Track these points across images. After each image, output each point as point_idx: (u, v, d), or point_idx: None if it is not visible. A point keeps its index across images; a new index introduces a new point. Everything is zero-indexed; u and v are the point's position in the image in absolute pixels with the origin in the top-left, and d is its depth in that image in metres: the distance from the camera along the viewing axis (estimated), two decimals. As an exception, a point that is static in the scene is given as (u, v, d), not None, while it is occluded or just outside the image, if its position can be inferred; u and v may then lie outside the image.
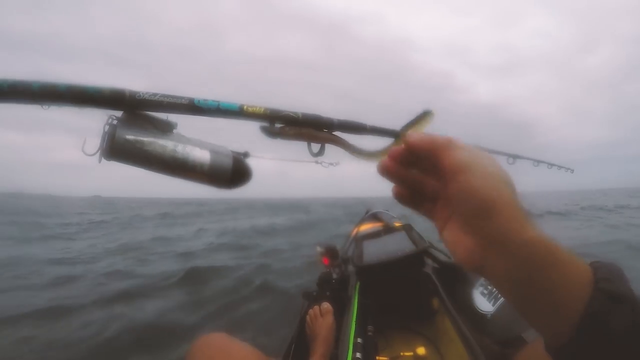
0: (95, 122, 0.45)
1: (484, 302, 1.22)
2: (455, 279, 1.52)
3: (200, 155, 0.49)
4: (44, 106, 0.42)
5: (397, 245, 1.65)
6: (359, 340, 1.23)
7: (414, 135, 0.38)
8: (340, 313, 1.51)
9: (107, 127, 0.45)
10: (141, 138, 0.45)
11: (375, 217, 2.71)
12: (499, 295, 1.15)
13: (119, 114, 0.46)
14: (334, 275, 1.90)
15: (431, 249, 1.67)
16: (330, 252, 2.01)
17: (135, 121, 0.46)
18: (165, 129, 0.49)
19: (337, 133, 0.58)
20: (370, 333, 1.33)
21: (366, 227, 2.32)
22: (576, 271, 0.32)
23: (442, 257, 1.69)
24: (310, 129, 0.54)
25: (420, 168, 0.40)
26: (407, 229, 1.88)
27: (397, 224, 2.23)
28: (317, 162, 0.62)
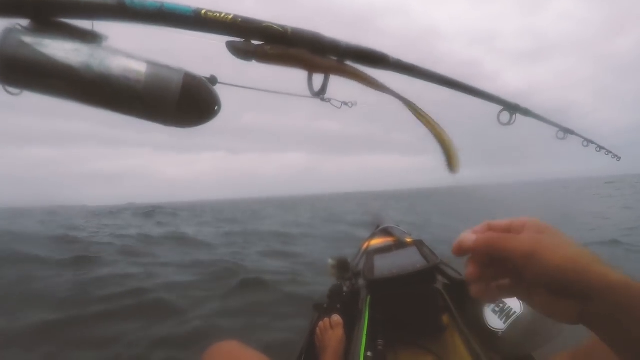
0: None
1: (495, 319, 1.21)
2: (466, 296, 1.52)
3: (132, 66, 0.34)
4: None
5: (408, 260, 1.65)
6: (369, 353, 1.23)
7: (468, 239, 0.40)
8: (350, 326, 1.51)
9: (6, 34, 0.32)
10: (46, 40, 0.32)
11: (386, 231, 2.71)
12: (511, 313, 1.15)
13: (24, 23, 0.33)
14: (345, 288, 1.91)
15: (442, 265, 1.67)
16: (342, 265, 2.02)
17: (48, 33, 0.33)
18: (90, 41, 0.34)
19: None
20: (380, 347, 1.33)
21: (377, 242, 2.33)
22: None
23: (453, 274, 1.69)
24: (304, 52, 0.38)
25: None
26: (418, 244, 1.89)
27: (408, 239, 2.24)
28: (322, 100, 0.49)
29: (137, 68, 0.34)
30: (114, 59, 0.33)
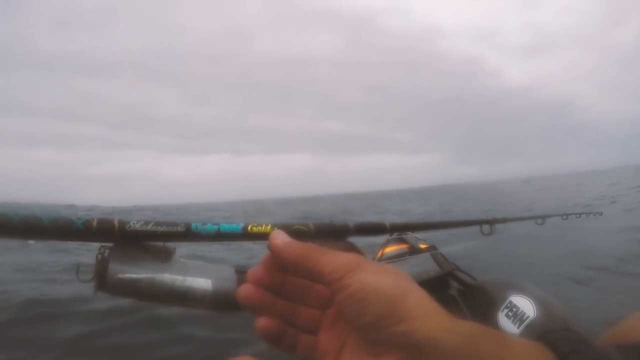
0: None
1: (508, 324, 1.20)
2: (480, 302, 1.50)
3: (201, 284, 0.42)
4: (28, 241, 0.38)
5: (422, 267, 1.65)
6: None
7: (279, 239, 0.32)
8: None
9: (99, 257, 0.40)
10: (135, 276, 0.40)
11: (400, 239, 2.71)
12: (524, 317, 1.15)
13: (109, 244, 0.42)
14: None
15: (456, 271, 1.67)
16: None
17: (129, 251, 0.41)
18: (163, 256, 0.42)
19: (356, 238, 0.54)
20: None
21: (391, 249, 2.32)
22: (533, 354, 0.27)
23: (467, 279, 1.68)
24: (325, 241, 0.47)
25: (288, 287, 0.33)
26: (432, 250, 1.88)
27: (422, 246, 2.23)
28: None
29: (207, 284, 0.42)
30: (190, 280, 0.42)
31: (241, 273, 0.46)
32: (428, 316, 0.26)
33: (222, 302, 0.43)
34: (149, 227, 0.41)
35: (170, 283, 0.41)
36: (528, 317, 1.13)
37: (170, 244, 0.44)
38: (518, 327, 1.16)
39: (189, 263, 0.44)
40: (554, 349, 0.27)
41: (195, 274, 0.43)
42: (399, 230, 0.58)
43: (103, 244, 0.41)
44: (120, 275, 0.40)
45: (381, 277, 0.28)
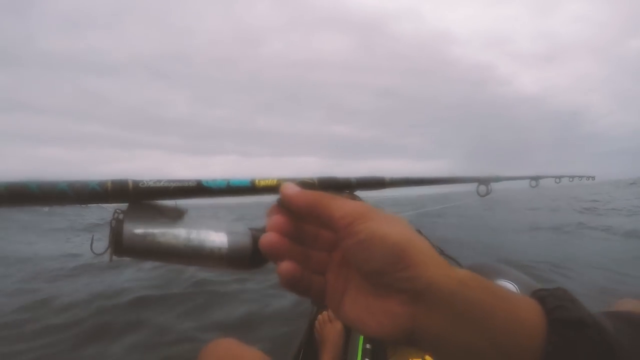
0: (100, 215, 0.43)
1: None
2: None
3: (216, 239, 0.43)
4: (44, 207, 0.40)
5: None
6: (368, 346, 1.23)
7: (291, 189, 0.33)
8: None
9: (113, 223, 0.41)
10: (151, 230, 0.41)
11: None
12: None
13: (124, 206, 0.42)
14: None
15: (442, 256, 1.67)
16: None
17: (142, 212, 0.42)
18: (175, 216, 0.43)
19: (358, 192, 0.59)
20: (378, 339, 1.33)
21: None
22: (523, 306, 0.28)
23: (453, 263, 1.69)
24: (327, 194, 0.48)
25: (305, 234, 0.35)
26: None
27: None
28: None
29: (222, 238, 0.43)
30: (205, 234, 0.43)
31: (255, 231, 0.47)
32: (430, 263, 0.29)
33: (238, 259, 0.44)
34: (162, 184, 0.43)
35: (185, 239, 0.42)
36: None
37: (182, 206, 0.45)
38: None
39: (202, 220, 0.44)
40: (542, 303, 0.28)
41: (210, 229, 0.44)
42: (397, 185, 0.60)
43: (117, 206, 0.42)
44: (136, 236, 0.40)
45: (388, 225, 0.30)
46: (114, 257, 0.42)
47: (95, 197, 0.40)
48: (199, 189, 0.45)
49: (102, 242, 0.44)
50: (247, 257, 0.44)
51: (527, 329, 0.27)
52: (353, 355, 1.20)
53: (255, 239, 0.45)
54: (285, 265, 0.32)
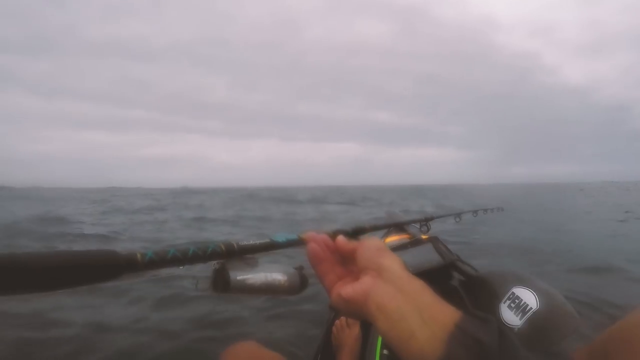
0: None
1: (511, 315, 1.20)
2: (481, 293, 1.50)
3: (279, 277, 0.62)
4: (180, 267, 0.51)
5: (423, 257, 1.65)
6: (385, 352, 1.24)
7: (341, 240, 0.58)
8: (367, 324, 1.52)
9: (215, 270, 0.57)
10: (245, 276, 0.58)
11: (402, 229, 2.70)
12: (527, 308, 1.15)
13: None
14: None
15: (458, 262, 1.66)
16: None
17: (231, 263, 0.59)
18: (253, 263, 0.61)
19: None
20: None
21: (392, 239, 2.32)
22: (439, 300, 0.44)
23: (469, 270, 1.68)
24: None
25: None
26: (434, 241, 1.87)
27: (424, 237, 2.22)
28: None
29: (282, 277, 0.62)
30: (272, 276, 0.61)
31: (297, 268, 0.65)
32: (393, 263, 0.49)
33: (292, 289, 0.63)
34: (250, 243, 0.61)
35: (263, 281, 0.60)
36: (531, 308, 1.13)
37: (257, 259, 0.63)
38: (520, 319, 1.16)
39: (268, 265, 0.63)
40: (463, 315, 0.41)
41: (274, 271, 0.62)
42: (376, 229, 0.90)
43: (216, 261, 0.58)
44: (236, 277, 0.57)
45: (378, 252, 0.52)
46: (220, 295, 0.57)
47: (213, 256, 0.56)
48: (271, 245, 0.64)
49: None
50: (298, 285, 0.64)
51: (445, 309, 0.42)
52: None
53: (299, 273, 0.65)
54: (313, 245, 0.57)
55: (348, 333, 1.52)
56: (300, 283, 0.64)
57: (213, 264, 0.58)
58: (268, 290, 0.61)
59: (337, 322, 1.59)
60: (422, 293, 0.44)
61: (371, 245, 0.53)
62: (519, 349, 0.38)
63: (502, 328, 0.39)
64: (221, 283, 0.57)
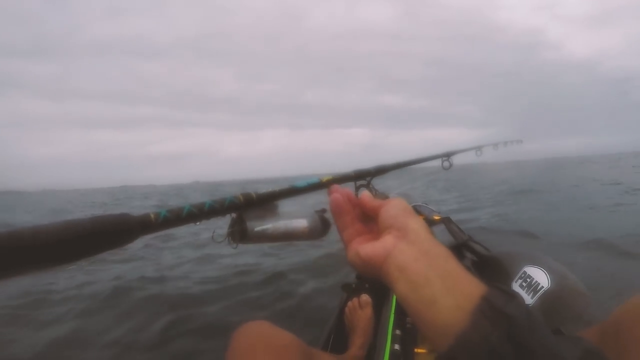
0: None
1: (522, 294, 1.20)
2: (493, 272, 1.50)
3: (300, 223, 0.62)
4: (196, 223, 0.50)
5: (436, 238, 1.64)
6: (398, 332, 1.25)
7: (366, 196, 0.55)
8: (379, 305, 1.53)
9: (233, 220, 0.57)
10: (264, 226, 0.58)
11: (414, 209, 2.69)
12: (538, 287, 1.14)
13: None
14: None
15: (470, 242, 1.66)
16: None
17: (252, 211, 0.58)
18: (273, 210, 0.61)
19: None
20: (408, 325, 1.34)
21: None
22: (464, 269, 0.42)
23: (481, 250, 1.67)
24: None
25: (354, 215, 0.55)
26: (447, 222, 1.87)
27: (436, 217, 2.21)
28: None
29: (303, 222, 0.62)
30: (293, 222, 0.61)
31: (319, 211, 0.65)
32: (418, 225, 0.47)
33: (314, 233, 0.63)
34: (269, 191, 0.61)
35: (283, 227, 0.59)
36: (542, 287, 1.12)
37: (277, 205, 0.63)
38: (532, 297, 1.16)
39: (289, 210, 0.63)
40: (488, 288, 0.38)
41: (295, 217, 0.62)
42: (392, 169, 0.88)
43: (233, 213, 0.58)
44: (254, 228, 0.56)
45: (403, 210, 0.50)
46: (239, 245, 0.57)
47: (231, 208, 0.55)
48: (292, 190, 0.64)
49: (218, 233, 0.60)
50: (319, 231, 0.64)
51: (472, 280, 0.39)
52: (382, 341, 1.22)
53: (321, 218, 0.65)
54: (336, 196, 0.54)
55: (360, 314, 1.54)
56: (322, 227, 0.64)
57: (231, 215, 0.57)
58: (289, 236, 0.60)
59: (349, 303, 1.61)
60: (448, 260, 0.42)
61: (397, 205, 0.50)
62: (545, 328, 0.35)
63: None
64: (239, 232, 0.56)
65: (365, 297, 1.59)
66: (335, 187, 0.57)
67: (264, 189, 0.61)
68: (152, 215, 0.43)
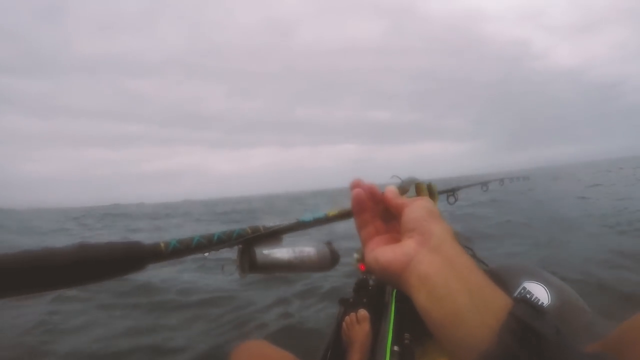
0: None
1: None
2: None
3: (309, 252, 0.61)
4: (205, 254, 0.51)
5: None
6: (396, 348, 1.24)
7: (392, 192, 0.52)
8: (377, 320, 1.52)
9: (241, 251, 0.57)
10: (272, 254, 0.58)
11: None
12: (539, 303, 1.13)
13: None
14: (371, 282, 1.91)
15: (473, 257, 1.65)
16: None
17: (257, 244, 0.58)
18: (278, 242, 0.60)
19: None
20: (407, 341, 1.33)
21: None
22: (490, 281, 0.38)
23: (480, 265, 1.66)
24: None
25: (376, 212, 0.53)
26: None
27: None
28: None
29: (312, 251, 0.61)
30: (300, 250, 0.60)
31: (327, 243, 0.65)
32: (443, 228, 0.43)
33: (323, 263, 0.62)
34: (274, 227, 0.60)
35: (291, 255, 0.59)
36: (542, 303, 1.11)
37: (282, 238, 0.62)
38: (532, 314, 1.15)
39: (295, 242, 0.62)
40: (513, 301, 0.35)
41: (304, 246, 0.62)
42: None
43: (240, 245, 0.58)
44: (263, 256, 0.56)
45: (427, 208, 0.47)
46: (247, 275, 0.57)
47: (238, 240, 0.55)
48: (298, 225, 0.62)
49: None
50: (329, 260, 0.63)
51: (497, 292, 0.36)
52: (380, 357, 1.20)
53: (329, 248, 0.64)
54: (358, 192, 0.51)
55: (358, 329, 1.52)
56: (331, 257, 0.63)
57: (239, 247, 0.57)
58: (298, 266, 0.60)
59: (347, 318, 1.59)
60: (473, 271, 0.38)
61: (422, 206, 0.46)
62: (574, 346, 0.33)
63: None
64: (248, 262, 0.56)
65: (362, 312, 1.58)
66: (358, 181, 0.53)
67: (268, 222, 0.60)
68: (162, 245, 0.45)
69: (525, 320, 0.32)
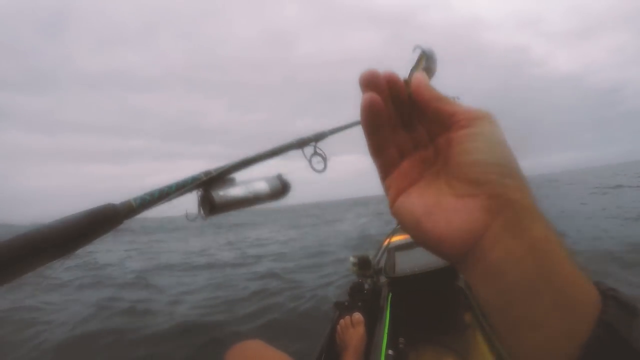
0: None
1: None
2: None
3: (261, 185, 0.65)
4: (169, 202, 0.53)
5: (430, 257, 1.64)
6: (390, 352, 1.24)
7: (423, 82, 0.32)
8: (372, 324, 1.52)
9: (200, 196, 0.60)
10: (228, 193, 0.60)
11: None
12: None
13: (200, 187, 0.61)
14: (366, 286, 1.91)
15: None
16: (363, 263, 2.02)
17: (213, 186, 0.60)
18: (232, 182, 0.63)
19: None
20: (401, 345, 1.33)
21: (399, 238, 2.31)
22: (582, 272, 0.27)
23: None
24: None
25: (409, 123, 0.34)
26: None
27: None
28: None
29: (264, 184, 0.64)
30: (253, 185, 0.63)
31: (278, 175, 0.67)
32: (527, 190, 0.28)
33: (276, 194, 0.65)
34: (226, 166, 0.61)
35: (245, 190, 0.62)
36: None
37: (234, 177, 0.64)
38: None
39: (246, 179, 0.64)
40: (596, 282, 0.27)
41: (254, 181, 0.64)
42: None
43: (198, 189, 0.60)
44: (220, 197, 0.58)
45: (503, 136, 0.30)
46: (207, 217, 0.59)
47: (196, 184, 0.57)
48: (247, 161, 0.64)
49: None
50: (280, 190, 0.66)
51: (585, 293, 0.26)
52: None
53: (280, 179, 0.67)
54: (370, 96, 0.30)
55: (352, 332, 1.52)
56: (282, 187, 0.67)
57: (197, 193, 0.60)
58: (253, 199, 0.63)
59: (341, 321, 1.59)
60: (565, 261, 0.26)
61: (492, 137, 0.29)
62: None
63: None
64: (208, 205, 0.59)
65: (357, 316, 1.58)
66: (372, 73, 0.31)
67: (221, 165, 0.62)
68: (132, 201, 0.49)
69: (618, 330, 0.24)
